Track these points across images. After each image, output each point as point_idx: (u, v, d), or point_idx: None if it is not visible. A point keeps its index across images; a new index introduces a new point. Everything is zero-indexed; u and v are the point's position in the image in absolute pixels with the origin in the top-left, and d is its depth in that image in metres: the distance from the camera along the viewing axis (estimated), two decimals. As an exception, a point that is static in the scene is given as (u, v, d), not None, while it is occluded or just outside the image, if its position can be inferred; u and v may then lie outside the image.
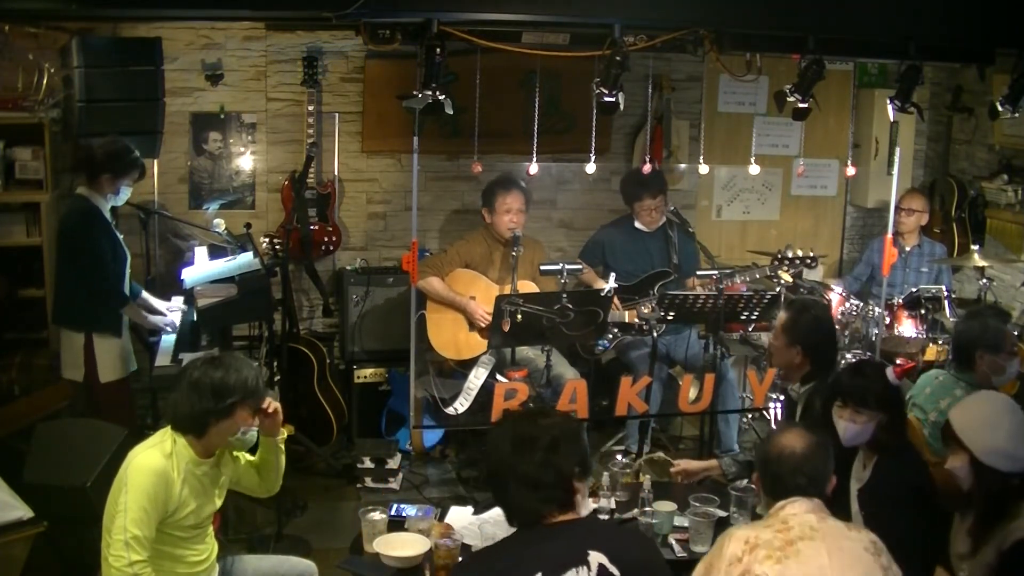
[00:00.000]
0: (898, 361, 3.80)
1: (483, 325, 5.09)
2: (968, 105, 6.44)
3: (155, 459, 2.98)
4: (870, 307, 5.50)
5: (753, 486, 3.13)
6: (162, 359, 4.34)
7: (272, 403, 3.21)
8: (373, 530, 3.35)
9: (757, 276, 5.27)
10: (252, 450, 3.34)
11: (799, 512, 2.59)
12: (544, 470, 2.48)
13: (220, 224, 4.88)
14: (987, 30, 4.54)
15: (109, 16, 4.97)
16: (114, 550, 2.86)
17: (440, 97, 4.15)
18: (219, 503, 3.24)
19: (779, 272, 5.15)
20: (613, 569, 2.41)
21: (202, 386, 3.00)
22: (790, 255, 5.18)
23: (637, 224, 5.51)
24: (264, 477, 3.37)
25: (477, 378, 4.88)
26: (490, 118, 5.28)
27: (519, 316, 4.44)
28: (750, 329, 5.64)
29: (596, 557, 2.42)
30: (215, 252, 5.04)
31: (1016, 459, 2.86)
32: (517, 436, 2.53)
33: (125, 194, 4.55)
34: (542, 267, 4.81)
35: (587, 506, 2.59)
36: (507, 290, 4.92)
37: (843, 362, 5.23)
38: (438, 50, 4.04)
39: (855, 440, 3.24)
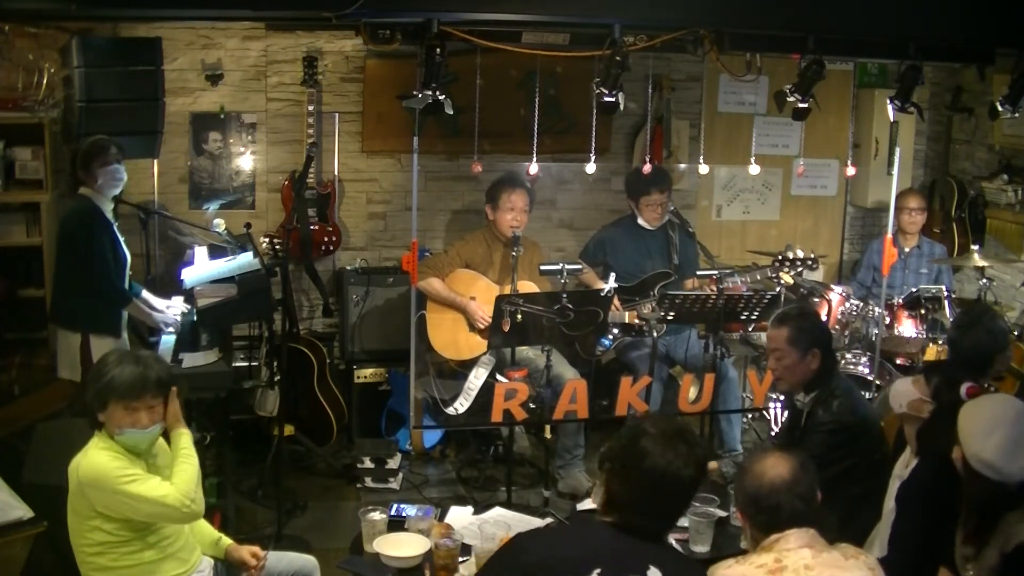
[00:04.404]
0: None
1: (482, 326, 5.09)
2: (968, 105, 6.45)
3: (96, 453, 3.00)
4: (870, 307, 5.50)
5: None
6: (162, 359, 4.34)
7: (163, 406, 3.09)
8: (373, 530, 3.35)
9: (758, 277, 5.25)
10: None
11: (793, 547, 2.45)
12: (676, 497, 2.48)
13: (220, 224, 4.87)
14: (987, 30, 4.54)
15: (109, 16, 4.97)
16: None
17: (440, 97, 4.15)
18: None
19: (780, 274, 5.14)
20: None
21: (89, 379, 3.06)
22: (791, 256, 5.17)
23: (640, 221, 5.50)
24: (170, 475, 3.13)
25: (477, 378, 4.88)
26: (490, 118, 5.28)
27: (519, 316, 4.44)
28: (750, 329, 5.64)
29: (655, 573, 2.40)
30: (215, 252, 5.04)
31: (1002, 473, 2.80)
32: (678, 458, 2.44)
33: (114, 177, 4.44)
34: (542, 267, 4.80)
35: None
36: (507, 290, 4.92)
37: (843, 362, 5.27)
38: (438, 50, 4.04)
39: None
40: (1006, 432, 2.82)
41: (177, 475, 3.06)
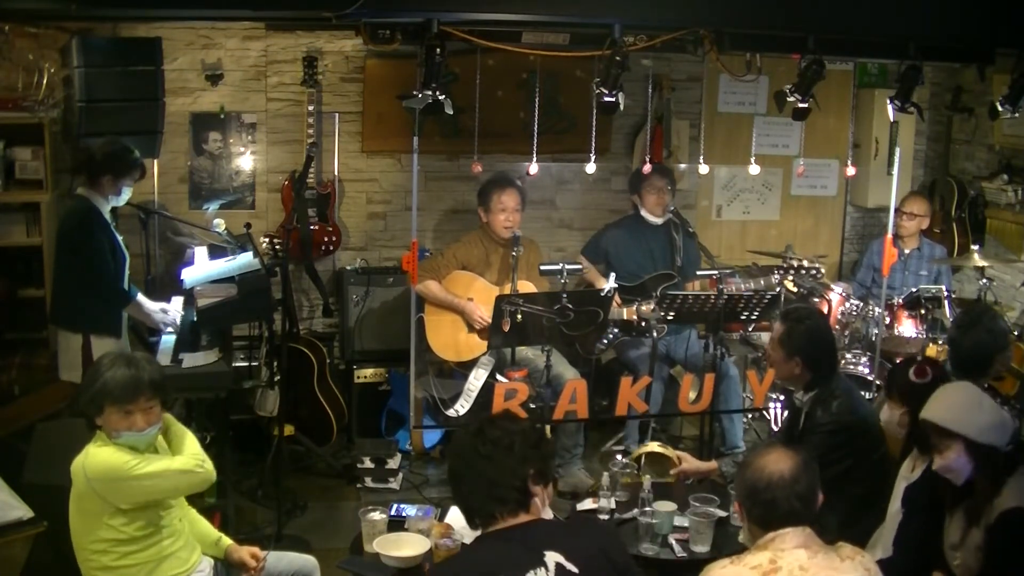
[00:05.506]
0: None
1: (480, 327, 5.09)
2: (968, 105, 6.45)
3: (98, 451, 3.02)
4: (870, 307, 5.50)
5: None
6: (162, 359, 4.33)
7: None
8: (373, 530, 3.36)
9: (761, 283, 5.23)
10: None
11: (788, 547, 2.43)
12: (499, 470, 2.51)
13: (220, 224, 4.88)
14: (987, 30, 4.54)
15: (109, 16, 4.97)
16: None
17: (440, 97, 4.15)
18: None
19: (784, 283, 5.13)
20: (571, 567, 2.42)
21: (83, 385, 3.11)
22: (795, 265, 5.15)
23: (643, 213, 5.49)
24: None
25: (477, 379, 4.88)
26: (490, 118, 5.28)
27: (519, 316, 4.44)
28: (750, 329, 5.64)
29: (553, 557, 2.43)
30: (215, 252, 5.04)
31: (1006, 427, 2.90)
32: (478, 437, 2.57)
33: (126, 194, 4.54)
34: (542, 267, 4.80)
35: (546, 512, 2.61)
36: (506, 291, 4.92)
37: (843, 362, 5.27)
38: (438, 50, 4.04)
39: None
40: (982, 396, 2.99)
41: (181, 446, 3.14)
